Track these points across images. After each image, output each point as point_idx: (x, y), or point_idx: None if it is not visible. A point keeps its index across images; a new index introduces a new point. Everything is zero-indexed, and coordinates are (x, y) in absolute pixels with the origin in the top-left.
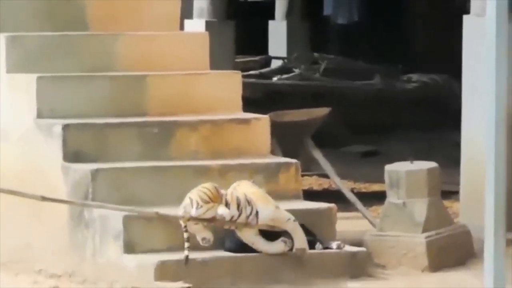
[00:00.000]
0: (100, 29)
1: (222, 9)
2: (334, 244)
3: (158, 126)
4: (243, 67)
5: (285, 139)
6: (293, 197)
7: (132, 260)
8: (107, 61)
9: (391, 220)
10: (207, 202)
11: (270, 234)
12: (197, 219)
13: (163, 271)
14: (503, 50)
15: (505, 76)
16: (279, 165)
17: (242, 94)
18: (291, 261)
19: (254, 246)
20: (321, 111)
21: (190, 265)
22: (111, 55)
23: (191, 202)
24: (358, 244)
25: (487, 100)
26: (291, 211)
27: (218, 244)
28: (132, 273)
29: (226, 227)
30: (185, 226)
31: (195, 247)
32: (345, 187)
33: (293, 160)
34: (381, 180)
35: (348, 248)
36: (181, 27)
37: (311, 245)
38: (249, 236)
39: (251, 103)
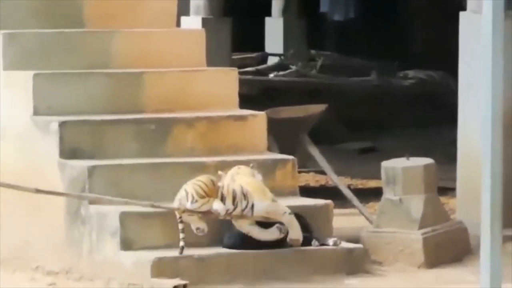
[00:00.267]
0: (97, 27)
1: (218, 6)
2: (330, 241)
3: (155, 123)
4: (240, 64)
5: (281, 136)
6: (290, 193)
7: (129, 257)
8: (104, 58)
9: (387, 217)
10: (202, 197)
11: (265, 222)
12: (192, 211)
13: (160, 268)
14: (499, 47)
15: (501, 73)
16: (276, 162)
17: (238, 91)
18: (288, 258)
19: (250, 234)
20: (318, 108)
21: (186, 260)
22: (108, 52)
23: (187, 196)
24: (355, 240)
25: (483, 96)
26: (288, 208)
27: (217, 240)
28: (129, 270)
29: (221, 218)
30: (180, 217)
31: (192, 243)
32: (342, 183)
33: (290, 157)
34: (377, 176)
35: (345, 244)
36: (178, 24)
37: (307, 242)
38: (245, 226)
39: (247, 99)
